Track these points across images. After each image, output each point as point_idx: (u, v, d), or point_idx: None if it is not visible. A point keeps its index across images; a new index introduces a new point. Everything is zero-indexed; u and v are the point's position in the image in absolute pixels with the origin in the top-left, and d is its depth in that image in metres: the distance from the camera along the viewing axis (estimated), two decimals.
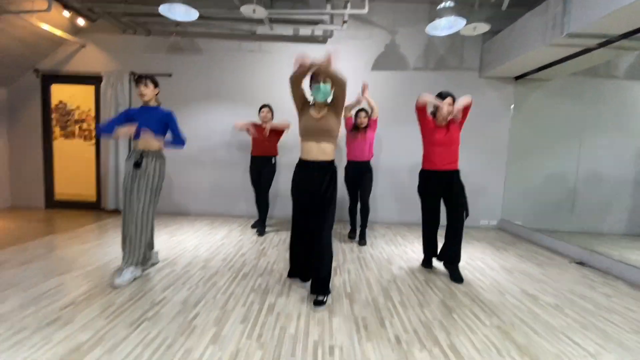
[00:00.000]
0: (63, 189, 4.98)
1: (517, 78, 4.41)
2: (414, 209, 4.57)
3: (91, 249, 2.99)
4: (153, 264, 2.66)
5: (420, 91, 2.92)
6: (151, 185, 2.33)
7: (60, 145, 5.10)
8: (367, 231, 3.71)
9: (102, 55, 4.56)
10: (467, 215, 2.57)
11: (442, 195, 2.66)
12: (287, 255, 2.97)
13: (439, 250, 2.78)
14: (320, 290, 2.08)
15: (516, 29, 3.67)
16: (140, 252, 2.34)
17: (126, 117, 2.43)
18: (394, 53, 4.43)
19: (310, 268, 2.18)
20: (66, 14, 3.95)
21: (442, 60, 4.43)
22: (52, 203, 4.82)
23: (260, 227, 3.70)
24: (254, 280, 2.41)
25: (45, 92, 4.66)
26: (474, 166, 4.46)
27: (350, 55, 4.44)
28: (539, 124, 4.33)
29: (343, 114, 2.40)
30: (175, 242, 3.32)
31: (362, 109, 3.43)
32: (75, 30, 4.46)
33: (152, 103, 2.48)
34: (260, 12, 3.36)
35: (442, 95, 2.58)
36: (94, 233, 3.52)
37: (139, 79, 2.37)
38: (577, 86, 4.03)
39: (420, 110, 2.58)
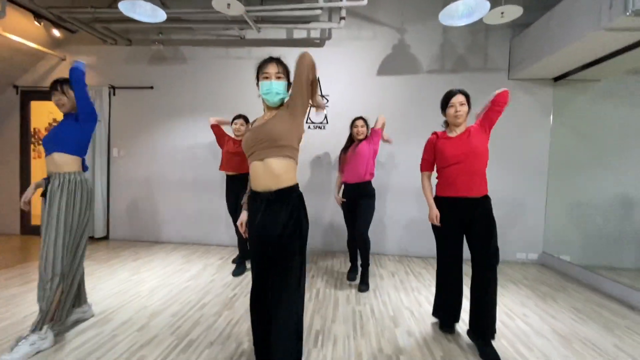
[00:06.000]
0: None
1: (557, 79, 3.61)
2: (429, 237, 3.78)
3: (26, 292, 2.44)
4: (84, 320, 2.07)
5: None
6: (59, 223, 1.73)
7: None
8: (373, 268, 2.96)
9: None
10: (497, 261, 1.82)
11: (464, 233, 1.92)
12: None
13: (460, 312, 2.01)
14: None
15: (556, 16, 2.93)
16: (49, 316, 1.74)
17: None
18: (404, 54, 3.77)
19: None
20: (37, 24, 3.61)
21: (462, 60, 3.71)
22: (29, 229, 4.41)
23: (238, 264, 3.04)
24: (198, 354, 1.74)
25: (25, 109, 4.34)
26: (507, 188, 3.63)
27: (352, 59, 3.82)
28: (588, 135, 3.47)
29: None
30: (133, 283, 2.72)
31: (360, 117, 2.77)
32: (56, 43, 4.15)
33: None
34: (237, 8, 2.82)
35: (452, 94, 1.97)
36: None
37: (53, 85, 1.83)
38: (634, 86, 3.18)
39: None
